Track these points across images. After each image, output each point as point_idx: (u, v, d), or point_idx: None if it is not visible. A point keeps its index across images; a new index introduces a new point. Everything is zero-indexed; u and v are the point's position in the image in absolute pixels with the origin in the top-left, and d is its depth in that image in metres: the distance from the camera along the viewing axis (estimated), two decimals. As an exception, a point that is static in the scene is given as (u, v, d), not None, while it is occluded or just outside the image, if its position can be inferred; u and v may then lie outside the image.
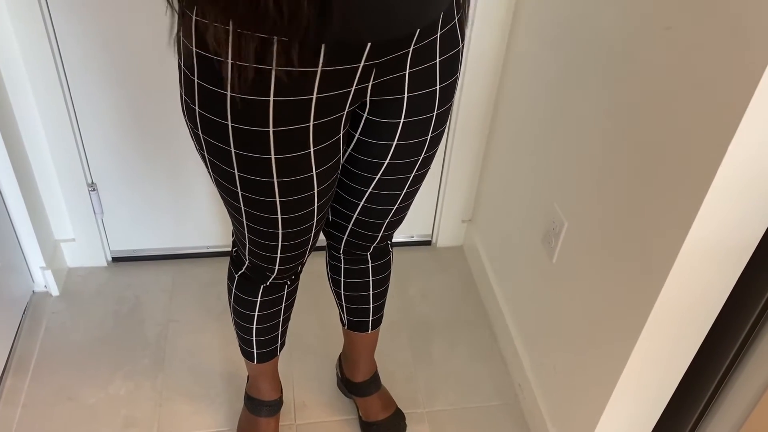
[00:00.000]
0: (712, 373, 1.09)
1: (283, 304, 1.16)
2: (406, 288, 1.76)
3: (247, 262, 1.06)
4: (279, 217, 0.91)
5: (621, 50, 1.04)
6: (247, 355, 1.23)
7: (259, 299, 1.12)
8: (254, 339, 1.19)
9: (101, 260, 1.74)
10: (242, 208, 0.92)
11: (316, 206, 0.93)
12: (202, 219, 1.73)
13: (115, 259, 1.77)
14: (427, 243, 1.91)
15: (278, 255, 1.00)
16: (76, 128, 1.51)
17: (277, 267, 1.03)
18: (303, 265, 1.09)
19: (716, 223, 0.89)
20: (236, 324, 1.19)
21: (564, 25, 1.23)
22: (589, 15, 1.14)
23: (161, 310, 1.65)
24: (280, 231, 0.94)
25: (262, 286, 1.10)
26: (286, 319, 1.20)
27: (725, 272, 0.96)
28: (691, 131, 0.88)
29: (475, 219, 1.82)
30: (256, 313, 1.14)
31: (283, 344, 1.24)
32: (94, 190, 1.61)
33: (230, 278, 1.14)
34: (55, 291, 1.66)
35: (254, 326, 1.16)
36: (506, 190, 1.58)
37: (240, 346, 1.23)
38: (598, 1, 1.10)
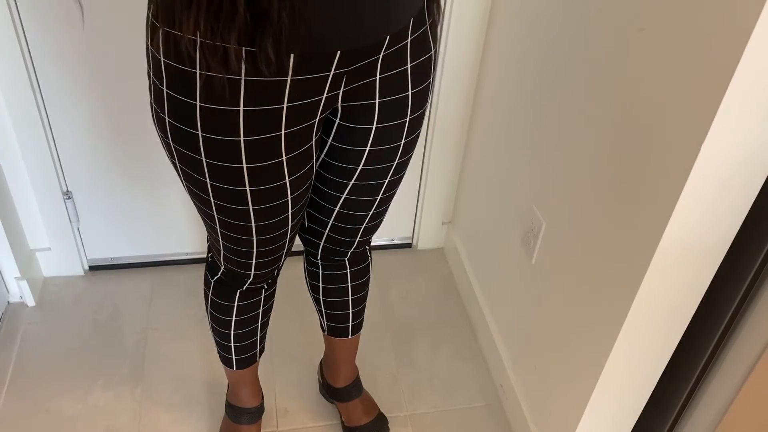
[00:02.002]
0: (691, 369, 1.10)
1: (261, 309, 1.15)
2: (388, 290, 1.76)
3: (222, 268, 1.06)
4: (252, 224, 0.91)
5: (596, 52, 1.05)
6: (226, 361, 1.22)
7: (236, 304, 1.11)
8: (233, 345, 1.18)
9: (78, 269, 1.71)
10: (215, 216, 0.91)
11: (290, 213, 0.93)
12: (180, 225, 1.71)
13: (92, 268, 1.75)
14: (408, 245, 1.91)
15: (253, 261, 0.99)
16: (50, 135, 1.48)
17: (252, 272, 1.03)
18: (279, 269, 1.09)
19: (691, 223, 0.90)
20: (214, 330, 1.18)
21: (539, 28, 1.24)
22: (563, 17, 1.15)
23: (140, 318, 1.63)
24: (254, 238, 0.94)
25: (238, 291, 1.10)
26: (265, 324, 1.19)
27: (700, 271, 0.97)
28: (666, 132, 0.89)
29: (455, 221, 1.83)
30: (234, 319, 1.13)
31: (262, 350, 1.24)
32: (69, 198, 1.59)
33: (206, 284, 1.13)
34: (30, 301, 1.63)
35: (232, 332, 1.16)
36: (485, 192, 1.58)
37: (219, 352, 1.22)
38: (573, 4, 1.11)
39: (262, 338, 1.22)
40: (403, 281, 1.80)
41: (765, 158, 0.85)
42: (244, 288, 1.09)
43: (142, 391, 1.46)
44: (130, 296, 1.68)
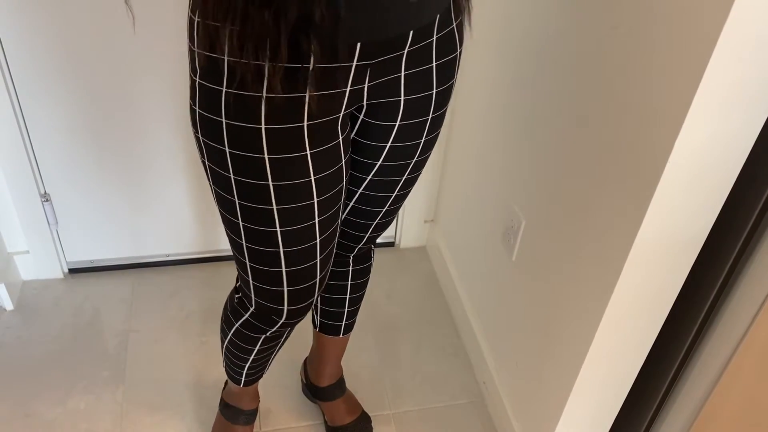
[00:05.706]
0: (669, 364, 1.11)
1: (281, 341, 1.12)
2: (371, 289, 1.76)
3: (252, 308, 1.01)
4: (278, 229, 0.87)
5: (571, 50, 1.06)
6: (234, 379, 1.20)
7: (257, 347, 1.09)
8: (245, 371, 1.16)
9: (57, 272, 1.70)
10: (240, 215, 0.87)
11: (317, 220, 0.88)
12: (160, 226, 1.70)
13: (72, 271, 1.73)
14: (391, 244, 1.91)
15: (285, 288, 0.94)
16: (26, 136, 1.47)
17: (285, 308, 0.97)
18: (313, 302, 1.02)
19: (667, 217, 0.91)
20: (228, 355, 1.14)
21: (516, 26, 1.25)
22: (539, 16, 1.15)
23: (121, 320, 1.62)
24: (281, 250, 0.89)
25: (263, 337, 1.06)
26: (280, 348, 1.16)
27: (677, 266, 0.98)
28: (640, 128, 0.90)
29: (438, 219, 1.83)
30: (253, 356, 1.11)
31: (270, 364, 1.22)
32: (47, 200, 1.57)
33: (227, 323, 1.09)
34: (9, 305, 1.61)
35: (248, 363, 1.14)
36: (466, 191, 1.59)
37: (227, 369, 1.20)
38: (548, 3, 1.12)
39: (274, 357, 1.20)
40: (386, 280, 1.80)
41: (737, 152, 0.86)
42: (273, 330, 1.04)
43: (123, 394, 1.45)
44: (111, 298, 1.67)
